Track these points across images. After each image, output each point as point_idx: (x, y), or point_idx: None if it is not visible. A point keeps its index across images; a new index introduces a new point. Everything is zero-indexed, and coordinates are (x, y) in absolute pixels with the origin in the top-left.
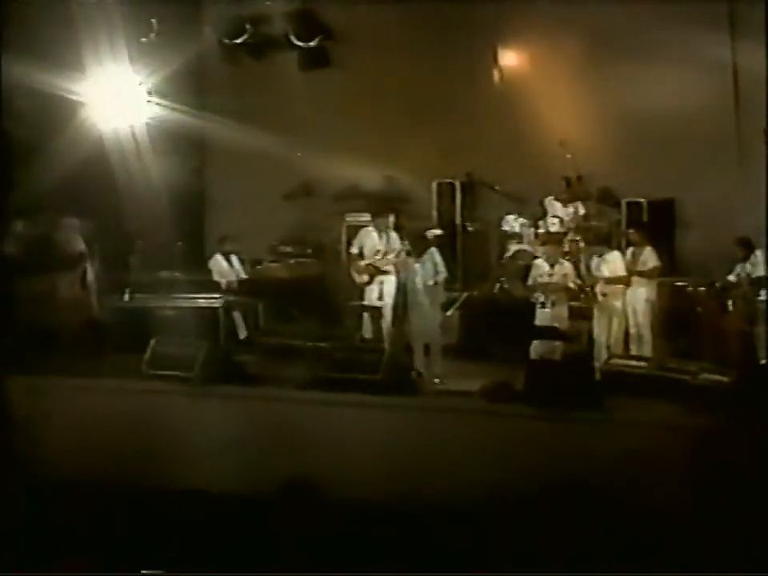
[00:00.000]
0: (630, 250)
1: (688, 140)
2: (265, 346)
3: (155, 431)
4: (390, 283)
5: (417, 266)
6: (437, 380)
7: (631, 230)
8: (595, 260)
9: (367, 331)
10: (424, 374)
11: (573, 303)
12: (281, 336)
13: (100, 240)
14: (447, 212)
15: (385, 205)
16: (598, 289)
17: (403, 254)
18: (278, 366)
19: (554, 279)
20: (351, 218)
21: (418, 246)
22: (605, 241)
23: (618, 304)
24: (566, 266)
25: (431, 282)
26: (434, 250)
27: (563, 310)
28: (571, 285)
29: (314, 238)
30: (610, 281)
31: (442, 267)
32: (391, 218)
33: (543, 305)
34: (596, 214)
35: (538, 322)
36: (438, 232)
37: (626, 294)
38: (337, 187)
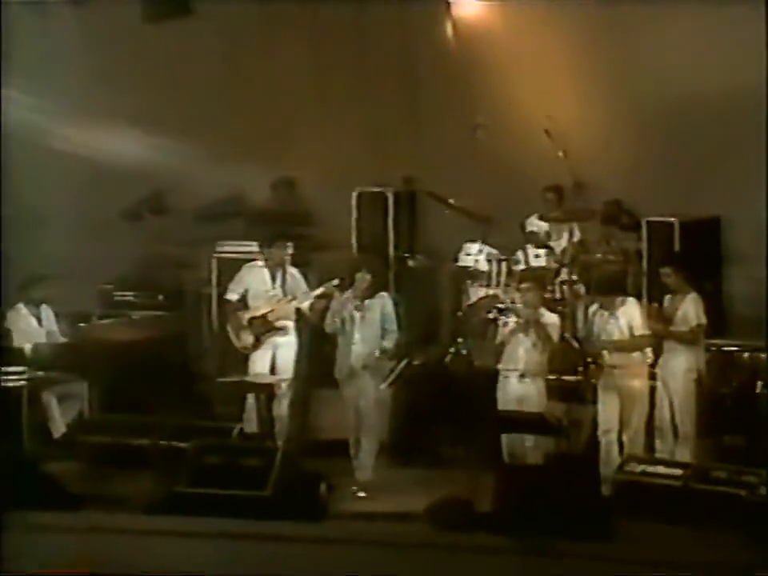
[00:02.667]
0: (666, 299)
1: (736, 132)
2: (93, 447)
3: None
4: (288, 347)
5: (357, 314)
6: (361, 493)
7: (666, 269)
8: (599, 315)
9: (251, 422)
10: (337, 487)
11: (565, 377)
12: (118, 432)
13: None
14: (374, 237)
15: (279, 226)
16: (606, 357)
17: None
18: (113, 478)
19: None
20: (226, 248)
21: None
22: (616, 283)
23: (638, 382)
24: (547, 317)
25: (376, 349)
26: (386, 295)
27: (539, 386)
28: (554, 336)
29: (169, 279)
30: (620, 346)
31: (393, 324)
32: (289, 248)
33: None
34: (601, 239)
35: (502, 403)
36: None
37: (657, 365)
38: (203, 200)
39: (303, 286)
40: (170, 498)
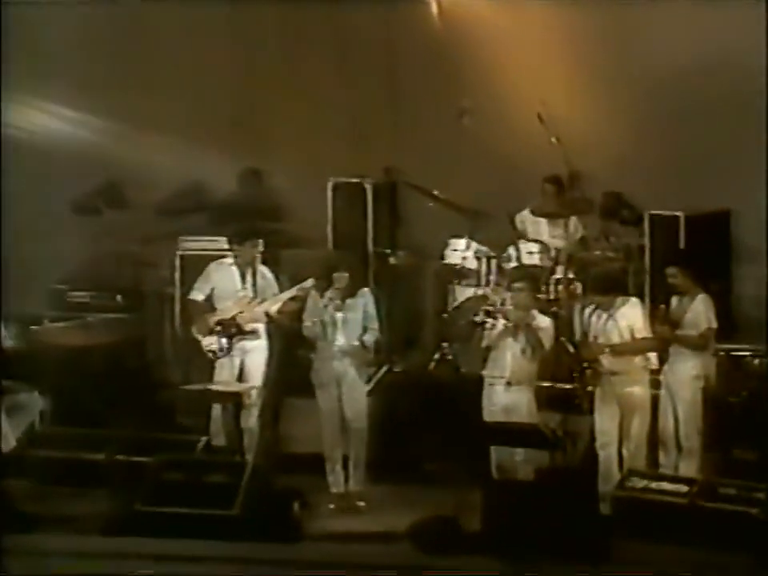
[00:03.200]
0: (673, 300)
1: (744, 121)
2: (45, 463)
3: None
4: (257, 353)
5: (338, 315)
6: (360, 502)
7: (671, 269)
8: (597, 316)
9: (217, 434)
10: (312, 506)
11: (559, 384)
12: (72, 446)
13: None
14: (352, 232)
15: (248, 221)
16: (604, 362)
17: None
18: (67, 497)
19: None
20: (191, 244)
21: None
22: (616, 281)
23: (640, 389)
24: (540, 321)
25: (355, 343)
26: (367, 292)
27: (527, 394)
28: (546, 343)
29: (128, 278)
30: (619, 350)
31: (374, 322)
32: (259, 244)
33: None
34: (600, 235)
35: (487, 414)
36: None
37: (660, 371)
38: (165, 192)
39: (275, 286)
40: (129, 518)
